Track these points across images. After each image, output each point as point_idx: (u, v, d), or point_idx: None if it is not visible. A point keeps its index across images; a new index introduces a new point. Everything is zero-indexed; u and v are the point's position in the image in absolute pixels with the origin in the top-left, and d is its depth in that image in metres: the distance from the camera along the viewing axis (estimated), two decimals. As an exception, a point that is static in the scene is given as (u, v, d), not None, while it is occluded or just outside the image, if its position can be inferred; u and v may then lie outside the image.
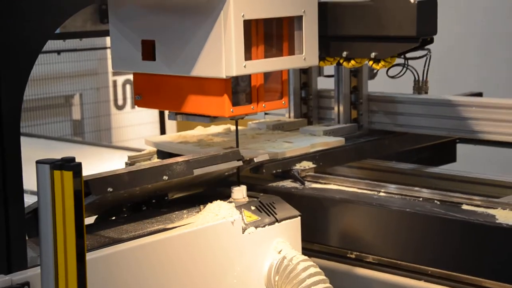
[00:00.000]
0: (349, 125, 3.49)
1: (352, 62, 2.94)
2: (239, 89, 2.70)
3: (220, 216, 2.57)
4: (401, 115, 3.45)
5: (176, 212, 2.64)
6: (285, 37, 2.74)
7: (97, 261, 2.23)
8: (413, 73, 3.30)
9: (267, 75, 2.77)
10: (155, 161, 3.07)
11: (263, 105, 2.77)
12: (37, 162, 1.94)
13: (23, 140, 2.15)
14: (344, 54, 2.91)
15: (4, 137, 2.07)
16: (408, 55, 2.93)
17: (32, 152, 2.20)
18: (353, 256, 2.83)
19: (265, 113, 3.70)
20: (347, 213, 2.72)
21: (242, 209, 2.63)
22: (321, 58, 2.91)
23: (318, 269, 2.59)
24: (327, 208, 2.75)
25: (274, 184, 2.92)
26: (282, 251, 2.64)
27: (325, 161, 3.08)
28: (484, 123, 3.25)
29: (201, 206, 2.66)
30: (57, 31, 2.34)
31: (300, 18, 2.72)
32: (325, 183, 2.88)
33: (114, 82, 6.09)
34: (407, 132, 3.48)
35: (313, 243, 2.80)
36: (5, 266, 2.10)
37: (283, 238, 2.68)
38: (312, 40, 2.77)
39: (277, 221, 2.68)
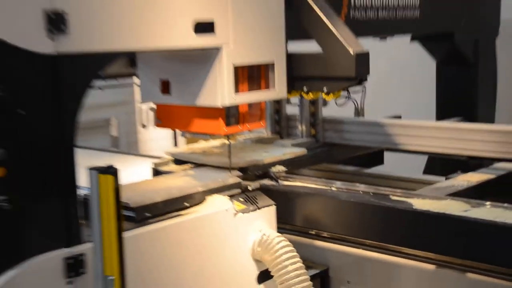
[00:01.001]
0: (309, 139, 3.51)
1: (310, 94, 2.94)
2: (230, 114, 2.69)
3: (217, 206, 2.58)
4: (346, 132, 3.50)
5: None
6: (263, 77, 2.74)
7: (130, 239, 2.22)
8: (353, 102, 3.35)
9: (250, 104, 2.77)
10: (183, 175, 2.92)
11: (247, 125, 2.78)
12: (89, 168, 1.98)
13: (78, 150, 2.16)
14: (305, 89, 2.91)
15: (64, 148, 2.09)
16: (350, 89, 2.95)
17: (81, 159, 2.20)
18: (313, 232, 2.86)
19: (249, 131, 3.73)
20: (308, 202, 2.73)
21: (233, 200, 2.63)
22: (288, 91, 2.89)
23: (288, 242, 2.60)
24: (295, 199, 2.76)
25: (257, 182, 2.88)
26: (262, 230, 2.65)
27: (293, 165, 3.09)
28: (403, 138, 3.31)
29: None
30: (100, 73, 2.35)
31: (273, 64, 2.75)
32: (293, 181, 2.90)
33: (140, 109, 6.07)
34: (349, 144, 3.52)
35: (285, 224, 2.81)
36: (66, 242, 2.10)
37: (262, 220, 2.68)
38: (282, 79, 2.79)
39: (258, 208, 2.68)
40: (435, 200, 2.47)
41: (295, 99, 3.47)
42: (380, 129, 3.41)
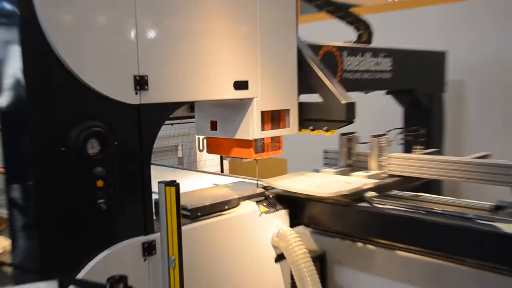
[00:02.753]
0: (379, 171, 3.05)
1: (315, 131, 2.82)
2: (258, 144, 2.66)
3: (248, 208, 2.55)
4: (411, 166, 2.98)
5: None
6: (282, 119, 2.71)
7: (186, 231, 2.20)
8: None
9: (272, 138, 2.72)
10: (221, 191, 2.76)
11: (270, 153, 2.71)
12: (159, 182, 1.96)
13: (152, 167, 2.15)
14: (311, 127, 2.82)
15: (143, 165, 2.09)
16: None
17: (157, 173, 2.18)
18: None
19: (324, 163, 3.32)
20: (404, 223, 2.27)
21: (259, 205, 2.60)
22: (299, 129, 2.80)
23: (296, 235, 2.53)
24: (392, 220, 2.32)
25: (274, 191, 2.73)
26: (278, 225, 2.61)
27: (378, 191, 2.68)
28: (445, 171, 2.83)
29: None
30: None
31: (288, 110, 2.71)
32: (385, 204, 2.47)
33: (198, 138, 6.07)
34: (411, 176, 3.00)
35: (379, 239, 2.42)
36: (144, 231, 2.10)
37: (279, 219, 2.64)
38: (295, 120, 2.74)
39: (276, 210, 2.64)
40: None
41: (364, 139, 3.14)
42: (432, 164, 2.89)
